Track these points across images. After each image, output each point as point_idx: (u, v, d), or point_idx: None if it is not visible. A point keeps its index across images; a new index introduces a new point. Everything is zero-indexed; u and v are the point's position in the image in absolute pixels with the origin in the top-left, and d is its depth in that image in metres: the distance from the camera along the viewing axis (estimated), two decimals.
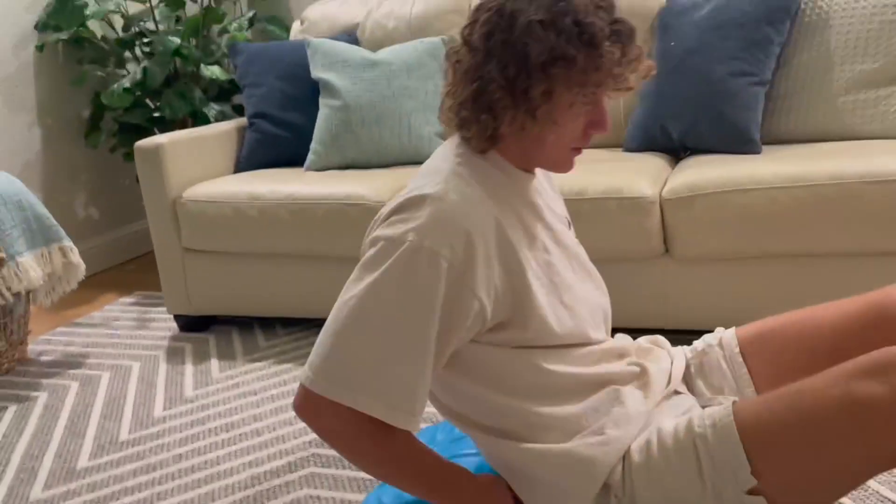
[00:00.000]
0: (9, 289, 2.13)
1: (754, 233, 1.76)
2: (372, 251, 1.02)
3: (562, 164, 1.09)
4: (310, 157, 2.46)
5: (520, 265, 1.04)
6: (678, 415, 1.16)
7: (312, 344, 2.23)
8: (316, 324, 2.37)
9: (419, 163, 2.43)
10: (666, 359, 1.25)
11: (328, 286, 2.19)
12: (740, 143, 2.04)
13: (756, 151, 2.03)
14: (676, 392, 1.23)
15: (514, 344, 1.08)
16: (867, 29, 2.05)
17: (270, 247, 2.21)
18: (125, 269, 3.35)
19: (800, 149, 2.00)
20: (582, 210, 1.87)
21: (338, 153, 2.43)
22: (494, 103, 1.00)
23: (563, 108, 1.00)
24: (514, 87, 0.98)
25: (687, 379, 1.29)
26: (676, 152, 2.23)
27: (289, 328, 2.38)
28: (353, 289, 1.02)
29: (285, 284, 2.25)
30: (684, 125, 2.14)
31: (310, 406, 1.02)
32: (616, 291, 1.91)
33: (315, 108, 2.52)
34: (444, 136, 2.53)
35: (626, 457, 1.10)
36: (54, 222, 2.31)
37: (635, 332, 1.70)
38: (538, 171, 1.14)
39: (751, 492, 1.02)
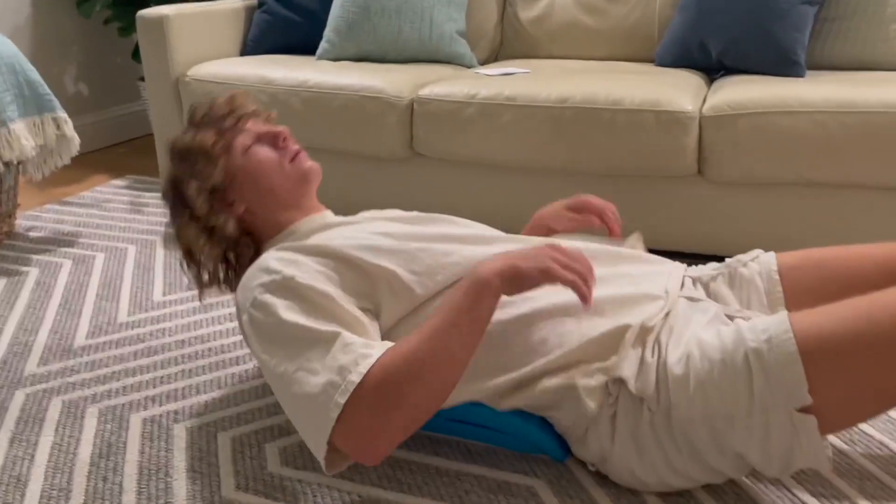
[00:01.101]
0: (0, 157, 2.00)
1: (796, 158, 1.69)
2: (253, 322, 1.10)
3: (302, 176, 1.26)
4: (322, 45, 2.32)
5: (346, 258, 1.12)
6: (707, 321, 1.12)
7: None
8: None
9: (438, 62, 2.31)
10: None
11: (338, 181, 2.10)
12: (784, 65, 1.94)
13: (800, 75, 1.93)
14: (692, 299, 1.18)
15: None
16: None
17: None
18: (116, 151, 3.21)
19: (846, 75, 1.91)
20: (616, 121, 1.77)
21: (353, 43, 2.29)
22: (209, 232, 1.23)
23: (240, 168, 1.23)
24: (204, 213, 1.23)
25: (713, 289, 1.25)
26: (712, 71, 2.13)
27: None
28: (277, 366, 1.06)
29: None
30: (725, 42, 2.03)
31: (359, 454, 1.01)
32: (643, 211, 1.85)
33: None
34: (465, 35, 2.40)
35: (659, 369, 1.06)
36: (48, 91, 2.16)
37: (663, 254, 1.65)
38: None
39: (801, 409, 0.98)
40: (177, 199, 1.26)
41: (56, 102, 2.18)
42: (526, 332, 1.11)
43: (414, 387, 0.98)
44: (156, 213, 2.42)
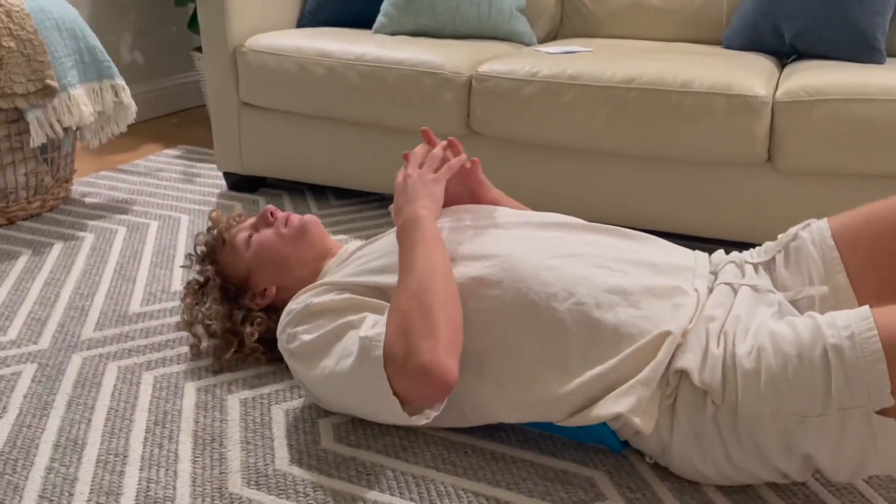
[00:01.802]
0: (59, 121, 2.02)
1: (874, 149, 1.61)
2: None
3: (299, 231, 1.37)
4: (380, 19, 2.28)
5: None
6: (773, 312, 1.07)
7: (365, 218, 2.14)
8: (373, 197, 2.26)
9: (497, 39, 2.26)
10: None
11: (391, 160, 2.07)
12: (862, 51, 1.86)
13: (879, 61, 1.85)
14: (755, 289, 1.13)
15: None
16: None
17: (334, 110, 2.07)
18: (169, 121, 3.23)
19: None
20: (683, 104, 1.71)
21: (411, 18, 2.25)
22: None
23: (252, 259, 1.38)
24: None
25: (771, 271, 1.20)
26: (783, 55, 2.05)
27: (342, 199, 2.28)
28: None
29: (345, 152, 2.13)
30: (800, 25, 1.94)
31: (428, 385, 1.05)
32: (706, 198, 1.79)
33: None
34: (525, 12, 2.34)
35: (725, 361, 1.02)
36: (107, 57, 2.17)
37: (725, 245, 1.60)
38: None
39: (881, 411, 0.94)
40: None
41: (115, 69, 2.19)
42: (581, 333, 1.08)
43: (433, 309, 1.05)
44: (208, 183, 2.42)
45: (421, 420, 1.09)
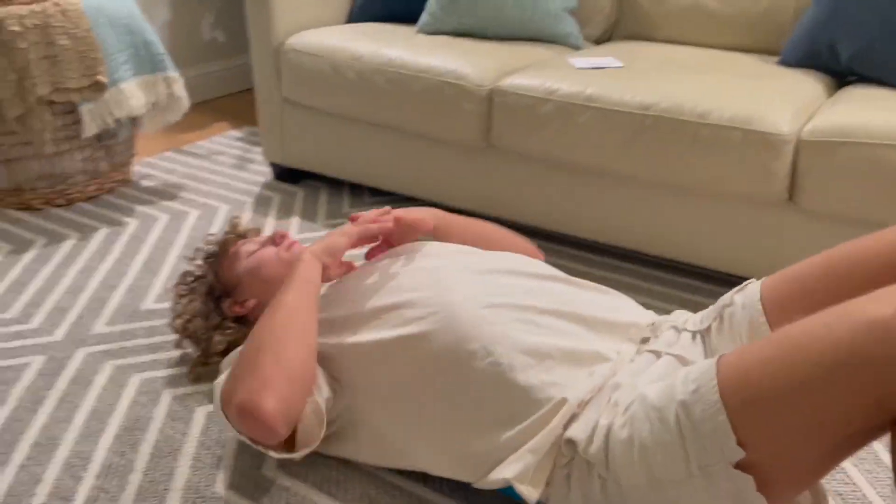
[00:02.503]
0: (110, 114, 2.15)
1: None
2: None
3: (287, 262, 1.36)
4: (424, 17, 2.26)
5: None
6: (661, 373, 1.03)
7: None
8: (404, 199, 2.28)
9: (541, 41, 2.19)
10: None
11: (418, 164, 2.08)
12: None
13: None
14: (679, 359, 1.08)
15: None
16: None
17: (363, 113, 2.09)
18: (243, 98, 3.35)
19: None
20: (699, 135, 1.61)
21: (454, 17, 2.22)
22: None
23: (245, 270, 1.43)
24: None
25: (706, 339, 1.14)
26: (841, 76, 1.88)
27: (376, 197, 2.32)
28: None
29: (377, 154, 2.15)
30: (857, 46, 1.77)
31: (254, 426, 1.10)
32: (722, 232, 1.69)
33: None
34: (576, 14, 2.25)
35: (608, 432, 0.98)
36: (163, 51, 2.28)
37: (736, 280, 1.52)
38: None
39: (739, 465, 0.88)
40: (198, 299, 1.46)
41: (169, 63, 2.30)
42: (487, 391, 1.07)
43: (261, 350, 1.11)
44: (257, 171, 2.52)
45: (294, 455, 1.15)
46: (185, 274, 1.52)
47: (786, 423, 0.84)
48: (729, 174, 1.61)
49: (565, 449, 1.02)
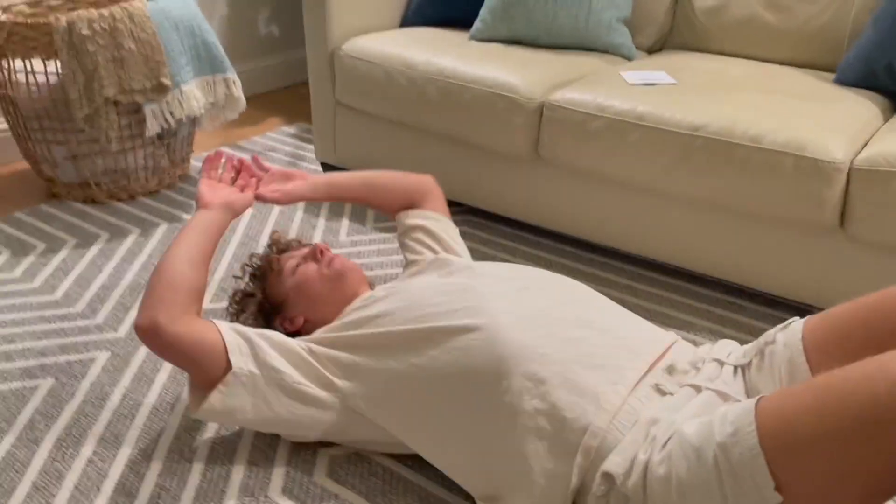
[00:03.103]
0: (171, 114, 2.23)
1: None
2: None
3: (338, 275, 1.47)
4: (476, 24, 2.29)
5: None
6: (697, 409, 1.06)
7: None
8: (451, 204, 2.32)
9: (593, 50, 2.20)
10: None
11: (466, 171, 2.12)
12: None
13: None
14: (720, 394, 1.10)
15: None
16: None
17: (414, 120, 2.13)
18: (298, 91, 3.42)
19: None
20: (751, 160, 1.62)
21: (506, 25, 2.24)
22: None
23: (291, 288, 1.49)
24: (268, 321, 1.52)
25: (746, 375, 1.16)
26: None
27: None
28: None
29: (424, 160, 2.20)
30: None
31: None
32: (771, 255, 1.70)
33: None
34: (629, 23, 2.25)
35: (647, 467, 1.01)
36: (222, 53, 2.35)
37: (789, 306, 1.54)
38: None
39: None
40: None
41: (228, 64, 2.36)
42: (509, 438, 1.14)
43: (156, 277, 1.30)
44: (308, 168, 2.58)
45: (203, 405, 1.26)
46: (235, 293, 1.58)
47: (823, 471, 0.87)
48: (779, 199, 1.61)
49: (602, 481, 1.06)
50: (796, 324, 1.15)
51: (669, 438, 1.02)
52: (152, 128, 2.21)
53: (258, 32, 3.30)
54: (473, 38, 2.29)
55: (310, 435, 1.33)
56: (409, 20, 2.45)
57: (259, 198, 1.50)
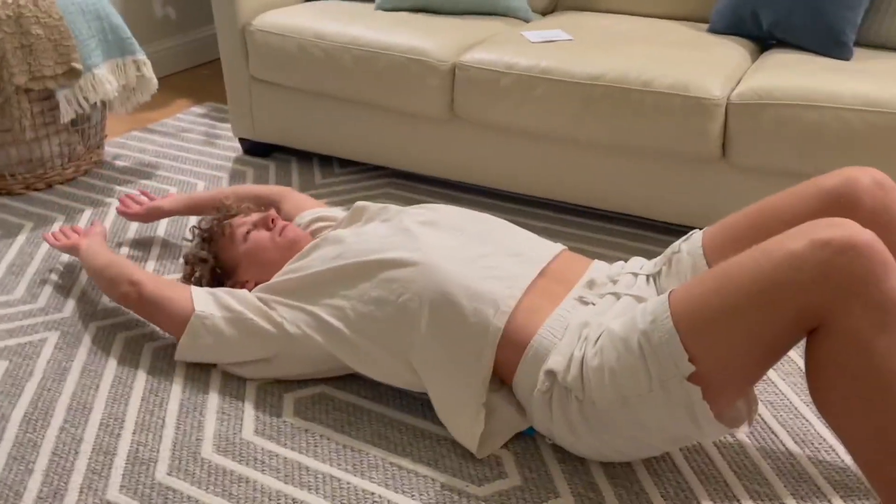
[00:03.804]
0: (85, 99, 2.23)
1: (819, 153, 1.70)
2: None
3: (290, 244, 1.58)
4: None
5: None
6: (621, 310, 1.25)
7: (366, 187, 2.33)
8: (372, 169, 2.44)
9: (494, 14, 2.35)
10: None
11: (386, 135, 2.23)
12: (831, 46, 1.90)
13: (846, 57, 1.89)
14: (637, 298, 1.29)
15: None
16: None
17: (331, 89, 2.23)
18: (200, 73, 3.42)
19: (894, 61, 1.85)
20: (644, 103, 1.82)
21: None
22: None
23: (243, 253, 1.61)
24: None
25: (657, 281, 1.36)
26: (763, 41, 2.10)
27: (345, 167, 2.46)
28: None
29: (346, 127, 2.29)
30: (777, 15, 1.99)
31: None
32: (667, 189, 1.91)
33: None
34: None
35: (583, 362, 1.18)
36: (129, 34, 2.36)
37: (680, 229, 1.75)
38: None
39: (690, 379, 1.09)
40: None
41: (136, 45, 2.37)
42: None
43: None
44: (226, 146, 2.63)
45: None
46: (187, 256, 1.66)
47: (726, 340, 1.06)
48: (671, 136, 1.82)
49: (545, 378, 1.22)
50: (697, 234, 1.35)
51: (600, 336, 1.19)
52: (66, 114, 2.20)
53: (154, 15, 3.27)
54: (380, 7, 2.39)
55: (265, 369, 1.48)
56: None
57: (123, 214, 1.93)
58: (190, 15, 3.41)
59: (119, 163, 2.51)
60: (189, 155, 2.57)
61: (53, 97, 2.20)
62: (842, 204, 1.15)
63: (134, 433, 1.39)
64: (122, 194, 1.94)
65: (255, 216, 1.66)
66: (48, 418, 1.43)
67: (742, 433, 1.38)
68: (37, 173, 2.29)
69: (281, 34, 2.24)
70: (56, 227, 2.11)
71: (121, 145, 2.64)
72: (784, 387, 1.51)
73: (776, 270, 1.00)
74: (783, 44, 2.04)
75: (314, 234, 1.69)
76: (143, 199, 1.97)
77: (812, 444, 1.36)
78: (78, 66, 2.17)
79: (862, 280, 0.95)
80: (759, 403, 1.44)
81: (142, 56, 2.39)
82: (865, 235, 0.97)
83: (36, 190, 2.30)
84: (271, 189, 1.88)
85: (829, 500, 1.25)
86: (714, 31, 2.15)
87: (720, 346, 1.06)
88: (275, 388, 1.50)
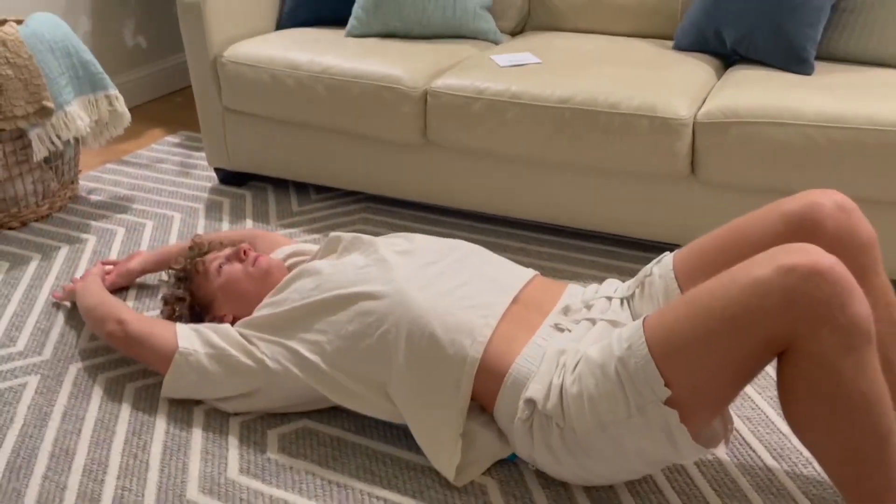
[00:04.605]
0: (58, 136, 2.23)
1: (785, 169, 1.74)
2: None
3: (264, 273, 1.60)
4: (351, 21, 2.41)
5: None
6: (597, 336, 1.28)
7: (343, 213, 2.34)
8: (348, 194, 2.45)
9: (463, 38, 2.38)
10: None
11: (361, 161, 2.25)
12: (793, 62, 1.95)
13: (807, 72, 1.94)
14: (612, 323, 1.32)
15: None
16: None
17: (306, 118, 2.24)
18: (173, 100, 3.42)
19: (854, 74, 1.90)
20: (613, 124, 1.85)
21: (380, 21, 2.38)
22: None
23: (219, 288, 1.62)
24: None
25: (631, 305, 1.38)
26: (727, 57, 2.14)
27: (321, 194, 2.47)
28: None
29: (321, 154, 2.31)
30: (740, 32, 2.03)
31: None
32: (638, 205, 1.94)
33: None
34: (491, 10, 2.44)
35: (562, 389, 1.21)
36: (100, 69, 2.35)
37: (653, 245, 1.76)
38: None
39: (667, 403, 1.11)
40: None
41: (108, 80, 2.37)
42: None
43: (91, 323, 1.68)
44: (201, 176, 2.63)
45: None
46: (164, 297, 1.67)
47: (699, 364, 1.08)
48: (640, 155, 1.85)
49: (525, 407, 1.24)
50: (668, 257, 1.38)
51: (578, 363, 1.21)
52: (39, 152, 2.20)
53: (125, 45, 3.26)
54: (350, 34, 2.41)
55: (249, 403, 1.50)
56: (283, 23, 2.54)
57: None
58: (161, 43, 3.41)
59: (94, 197, 2.50)
60: (165, 186, 2.56)
61: (26, 136, 2.19)
62: (805, 228, 1.18)
63: (118, 478, 1.39)
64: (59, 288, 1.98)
65: (227, 250, 1.67)
66: (31, 466, 1.42)
67: (720, 452, 1.40)
68: (11, 212, 2.28)
69: (253, 65, 2.25)
70: (32, 266, 2.10)
71: (95, 179, 2.63)
72: (761, 402, 1.53)
73: (744, 297, 1.03)
74: (747, 60, 2.08)
75: (291, 268, 1.70)
76: (109, 267, 1.95)
77: (789, 458, 1.39)
78: (49, 104, 2.16)
79: (826, 304, 0.98)
80: (737, 419, 1.47)
81: (113, 91, 2.38)
82: (828, 260, 1.00)
83: (10, 229, 2.29)
84: (243, 232, 1.89)
85: None
86: (679, 48, 2.19)
87: (694, 370, 1.09)
88: (258, 425, 1.50)
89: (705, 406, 1.12)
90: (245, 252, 1.62)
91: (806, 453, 1.40)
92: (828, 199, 1.19)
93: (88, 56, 2.33)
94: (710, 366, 1.08)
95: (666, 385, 1.10)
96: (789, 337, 1.01)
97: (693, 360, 1.08)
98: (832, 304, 0.97)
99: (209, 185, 2.57)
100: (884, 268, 1.22)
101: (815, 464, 1.37)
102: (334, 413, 1.52)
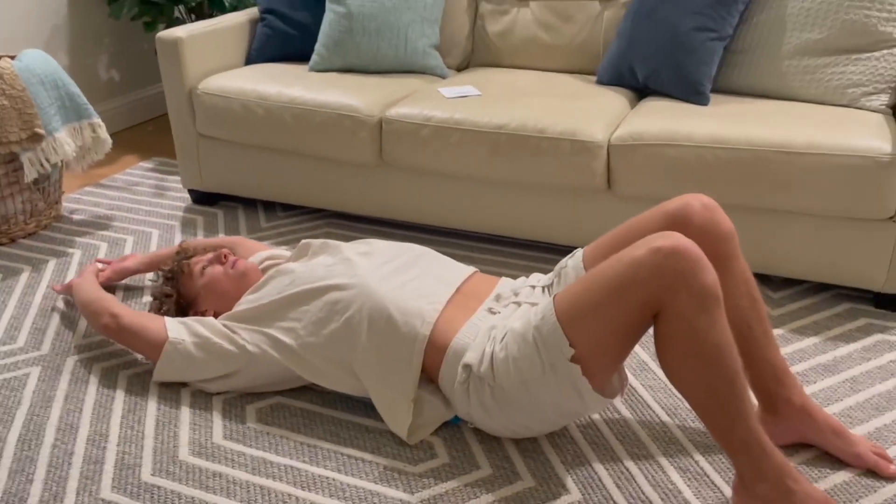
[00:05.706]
0: (47, 160, 2.46)
1: (683, 182, 2.07)
2: None
3: (241, 274, 1.86)
4: (314, 57, 2.71)
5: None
6: (521, 313, 1.57)
7: (307, 228, 2.62)
8: (312, 211, 2.72)
9: (413, 72, 2.69)
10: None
11: (323, 181, 2.53)
12: (692, 94, 2.30)
13: (704, 103, 2.29)
14: (531, 304, 1.62)
15: None
16: (820, 0, 2.25)
17: (274, 143, 2.52)
18: (145, 129, 3.66)
19: (742, 105, 2.26)
20: (541, 147, 2.17)
21: (339, 58, 2.68)
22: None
23: (201, 287, 1.87)
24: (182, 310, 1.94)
25: (550, 291, 1.67)
26: (640, 91, 2.49)
27: (288, 211, 2.74)
28: None
29: (287, 175, 2.58)
30: (649, 69, 2.38)
31: None
32: (564, 216, 2.26)
33: (323, 8, 2.74)
34: (439, 49, 2.76)
35: (492, 355, 1.49)
36: (85, 101, 2.60)
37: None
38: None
39: (573, 360, 1.40)
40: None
41: (91, 110, 2.62)
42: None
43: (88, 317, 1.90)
44: (176, 197, 2.87)
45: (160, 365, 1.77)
46: (154, 294, 1.92)
47: (594, 327, 1.38)
48: (564, 173, 2.17)
49: (463, 371, 1.52)
50: (579, 252, 1.68)
51: (505, 334, 1.50)
52: (30, 174, 2.43)
53: (100, 78, 3.50)
54: (312, 69, 2.70)
55: (232, 383, 1.74)
56: (252, 58, 2.83)
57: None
58: (133, 76, 3.66)
59: (76, 216, 2.73)
60: (142, 206, 2.80)
61: (17, 159, 2.42)
62: (678, 222, 1.50)
63: (118, 445, 1.63)
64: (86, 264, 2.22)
65: (210, 254, 1.92)
66: (40, 438, 1.65)
67: (624, 411, 1.70)
68: (1, 229, 2.49)
69: (226, 96, 2.53)
70: (24, 277, 2.32)
71: (76, 200, 2.86)
72: (657, 370, 1.84)
73: (625, 271, 1.33)
74: (656, 93, 2.43)
75: (265, 270, 1.96)
76: (102, 265, 2.19)
77: (680, 415, 1.70)
78: (40, 130, 2.40)
79: (682, 275, 1.28)
80: (640, 387, 1.77)
81: (96, 119, 2.63)
82: (686, 242, 1.31)
83: (0, 245, 2.50)
84: (225, 239, 2.15)
85: (691, 457, 1.58)
86: (600, 82, 2.54)
87: (591, 331, 1.38)
88: (238, 401, 1.75)
89: (602, 361, 1.42)
90: (225, 256, 1.88)
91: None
92: (696, 201, 1.51)
93: (74, 88, 2.58)
94: (603, 327, 1.37)
95: (571, 345, 1.39)
96: (658, 301, 1.31)
97: (590, 323, 1.38)
98: (687, 275, 1.28)
99: (183, 205, 2.81)
100: (743, 256, 1.54)
101: (700, 421, 1.68)
102: (303, 390, 1.78)
